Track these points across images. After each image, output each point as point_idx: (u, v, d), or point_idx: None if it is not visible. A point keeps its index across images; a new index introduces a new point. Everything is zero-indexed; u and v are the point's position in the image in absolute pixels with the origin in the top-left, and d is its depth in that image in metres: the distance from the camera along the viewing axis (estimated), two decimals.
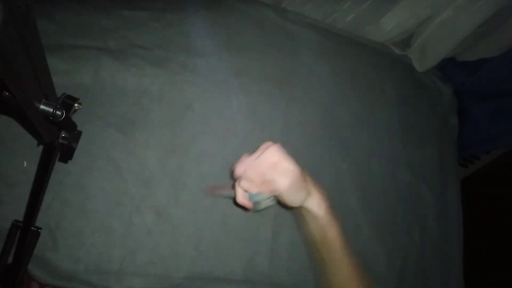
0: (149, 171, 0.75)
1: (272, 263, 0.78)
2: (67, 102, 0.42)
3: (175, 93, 0.82)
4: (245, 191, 0.50)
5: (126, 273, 0.70)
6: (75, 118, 0.44)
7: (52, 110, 0.35)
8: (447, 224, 1.01)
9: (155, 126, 0.78)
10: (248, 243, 0.78)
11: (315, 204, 0.51)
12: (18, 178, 0.68)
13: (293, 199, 0.51)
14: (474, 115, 1.19)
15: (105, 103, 0.76)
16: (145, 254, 0.72)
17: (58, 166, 0.54)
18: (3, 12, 0.22)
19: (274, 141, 0.51)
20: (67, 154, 0.49)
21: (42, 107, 0.35)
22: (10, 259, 0.59)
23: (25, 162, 0.69)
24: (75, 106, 0.43)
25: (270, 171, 0.48)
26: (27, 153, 0.68)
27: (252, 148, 0.51)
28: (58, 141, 0.45)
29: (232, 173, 0.51)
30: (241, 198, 0.51)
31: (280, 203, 0.52)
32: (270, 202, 0.52)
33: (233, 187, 0.52)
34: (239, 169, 0.49)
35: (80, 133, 0.48)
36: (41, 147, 0.68)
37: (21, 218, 0.61)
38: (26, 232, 0.56)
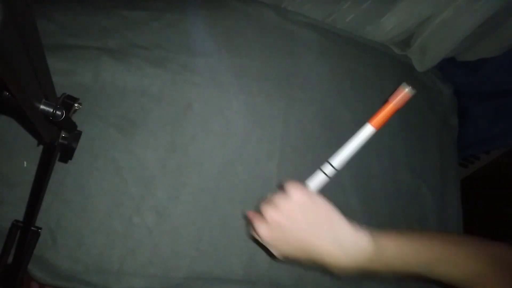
0: (149, 171, 0.75)
1: (272, 263, 0.78)
2: (67, 102, 0.42)
3: (175, 93, 0.82)
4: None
5: (126, 273, 0.70)
6: (75, 118, 0.44)
7: (52, 110, 0.35)
8: (447, 224, 1.01)
9: (155, 126, 0.78)
10: (248, 243, 0.78)
11: (353, 249, 0.40)
12: (18, 178, 0.68)
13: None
14: (474, 115, 1.19)
15: (105, 103, 0.76)
16: (145, 254, 0.72)
17: (58, 166, 0.54)
18: (3, 12, 0.22)
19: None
20: (67, 154, 0.49)
21: (42, 107, 0.35)
22: (10, 259, 0.59)
23: (25, 162, 0.69)
24: (75, 106, 0.43)
25: (305, 230, 0.40)
26: (27, 153, 0.68)
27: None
28: (58, 141, 0.45)
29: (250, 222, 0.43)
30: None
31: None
32: None
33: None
34: (263, 232, 0.40)
35: (80, 133, 0.48)
36: (41, 147, 0.68)
37: (21, 218, 0.61)
38: (26, 232, 0.56)
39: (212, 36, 0.91)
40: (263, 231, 0.41)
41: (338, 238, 0.41)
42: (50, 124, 0.39)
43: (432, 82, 1.15)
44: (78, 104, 0.43)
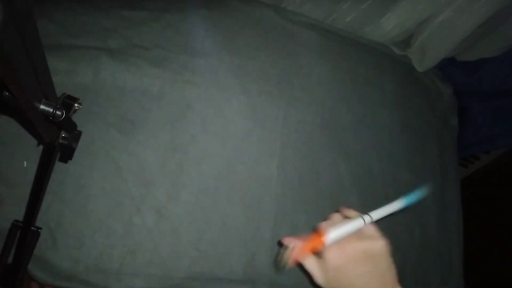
0: (149, 171, 0.75)
1: (272, 263, 0.79)
2: (67, 102, 0.42)
3: (175, 93, 0.82)
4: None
5: (126, 273, 0.70)
6: (75, 118, 0.44)
7: (52, 110, 0.35)
8: (447, 224, 1.01)
9: (155, 126, 0.78)
10: (248, 243, 0.78)
11: None
12: (18, 178, 0.68)
13: None
14: (474, 115, 1.19)
15: (105, 103, 0.76)
16: (145, 254, 0.72)
17: (58, 166, 0.54)
18: (3, 12, 0.22)
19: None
20: (67, 154, 0.49)
21: (42, 107, 0.35)
22: (10, 259, 0.59)
23: (25, 162, 0.69)
24: (75, 106, 0.43)
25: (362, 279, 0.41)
26: (27, 153, 0.68)
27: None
28: (58, 141, 0.45)
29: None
30: None
31: None
32: None
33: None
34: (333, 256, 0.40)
35: (80, 133, 0.48)
36: (41, 147, 0.68)
37: (21, 218, 0.61)
38: (26, 232, 0.56)
39: (212, 36, 0.91)
40: (333, 255, 0.42)
41: None
42: (50, 124, 0.39)
43: (432, 82, 1.15)
44: (78, 104, 0.43)
